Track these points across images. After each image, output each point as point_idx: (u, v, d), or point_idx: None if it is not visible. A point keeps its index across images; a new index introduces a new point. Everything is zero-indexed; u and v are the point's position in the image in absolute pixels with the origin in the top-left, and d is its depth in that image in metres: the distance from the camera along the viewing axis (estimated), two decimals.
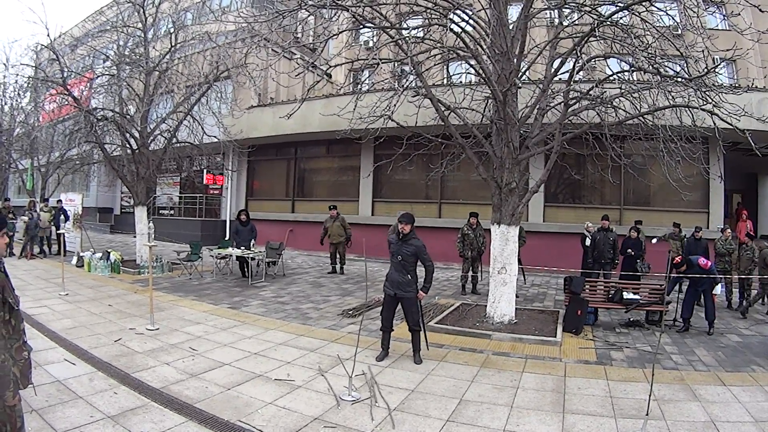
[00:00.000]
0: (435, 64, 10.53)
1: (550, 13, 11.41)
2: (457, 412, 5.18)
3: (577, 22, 9.88)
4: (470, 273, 12.34)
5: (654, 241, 12.80)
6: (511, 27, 9.01)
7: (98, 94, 15.77)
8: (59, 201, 17.45)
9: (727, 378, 6.43)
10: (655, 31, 8.48)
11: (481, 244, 12.19)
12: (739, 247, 11.38)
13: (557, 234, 15.72)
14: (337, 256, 14.96)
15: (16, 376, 3.11)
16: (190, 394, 5.42)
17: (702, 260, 9.11)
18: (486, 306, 9.24)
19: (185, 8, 19.88)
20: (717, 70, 8.62)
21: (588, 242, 12.66)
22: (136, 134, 14.28)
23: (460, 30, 8.62)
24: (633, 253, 11.99)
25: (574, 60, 8.90)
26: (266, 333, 8.11)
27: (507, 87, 8.08)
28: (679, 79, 8.06)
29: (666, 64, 8.59)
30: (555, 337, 8.05)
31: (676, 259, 9.06)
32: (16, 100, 22.52)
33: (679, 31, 10.40)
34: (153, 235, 9.77)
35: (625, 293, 9.17)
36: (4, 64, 22.36)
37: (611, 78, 9.32)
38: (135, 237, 15.52)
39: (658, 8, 8.91)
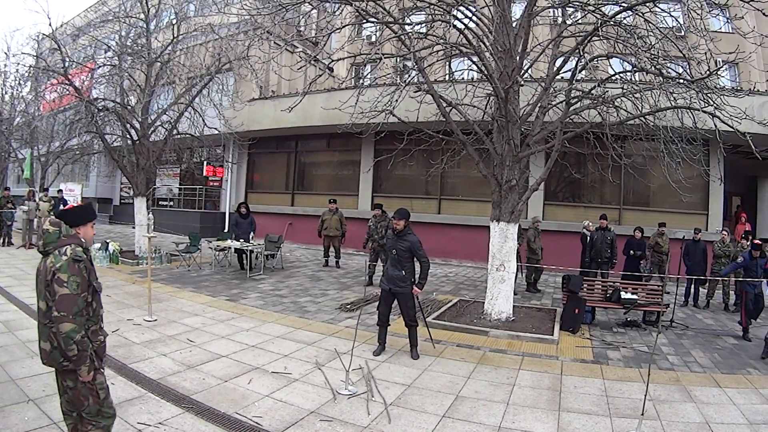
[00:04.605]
0: (437, 60, 10.53)
1: (554, 11, 11.39)
2: (453, 408, 5.20)
3: (580, 21, 9.87)
4: (375, 264, 12.35)
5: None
6: (514, 24, 9.01)
7: (99, 85, 15.72)
8: (59, 191, 17.43)
9: (722, 380, 6.46)
10: (658, 32, 8.47)
11: (382, 236, 11.81)
12: (736, 250, 11.38)
13: (556, 232, 15.71)
14: (332, 249, 14.99)
15: (93, 355, 3.36)
16: (187, 385, 5.43)
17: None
18: (484, 303, 9.26)
19: None
20: (719, 72, 8.59)
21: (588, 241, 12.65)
22: (137, 125, 14.25)
23: (463, 26, 8.61)
24: (638, 253, 12.05)
25: (576, 59, 8.91)
26: (264, 326, 8.13)
27: (509, 84, 8.08)
28: (681, 81, 8.06)
29: (668, 65, 8.58)
30: (552, 335, 8.07)
31: None
32: (17, 90, 22.49)
33: (682, 33, 10.40)
34: (152, 226, 9.80)
35: (623, 293, 9.19)
36: (6, 53, 22.36)
37: (613, 78, 9.31)
38: (134, 228, 15.52)
39: (661, 9, 8.91)
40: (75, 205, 3.42)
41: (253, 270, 13.05)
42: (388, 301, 6.95)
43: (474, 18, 8.97)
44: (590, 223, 12.85)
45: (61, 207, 16.42)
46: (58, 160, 21.55)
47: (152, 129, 14.71)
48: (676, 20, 10.03)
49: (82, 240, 3.51)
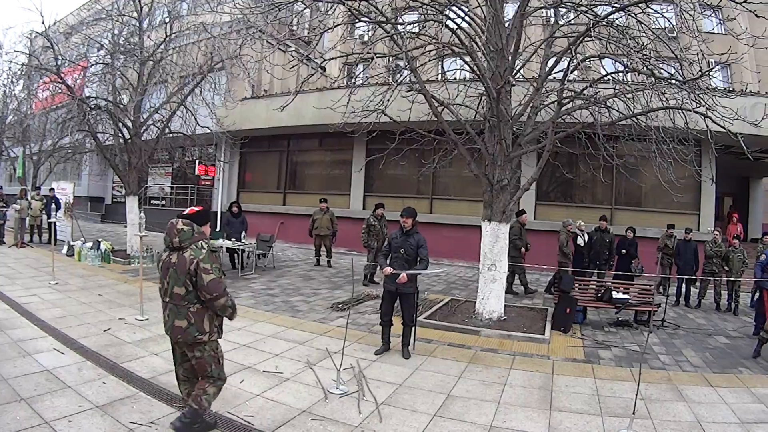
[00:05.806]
0: (430, 60, 10.53)
1: (546, 11, 11.40)
2: (444, 407, 5.20)
3: (572, 22, 9.88)
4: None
5: None
6: (506, 24, 9.01)
7: (92, 83, 15.67)
8: (51, 190, 17.35)
9: (714, 379, 6.49)
10: (650, 33, 8.49)
11: (387, 235, 11.74)
12: (728, 250, 11.44)
13: (548, 232, 15.70)
14: (323, 249, 14.97)
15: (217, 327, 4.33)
16: None
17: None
18: (475, 302, 9.27)
19: None
20: (711, 73, 8.62)
21: (579, 241, 12.62)
22: (129, 124, 14.18)
23: (455, 26, 8.63)
24: (630, 251, 12.08)
25: (568, 59, 8.92)
26: (255, 325, 8.11)
27: (501, 84, 8.09)
28: (674, 81, 8.09)
29: (660, 65, 8.60)
30: (543, 334, 8.09)
31: None
32: (9, 88, 22.32)
33: (675, 34, 10.42)
34: (144, 225, 9.72)
35: (614, 293, 9.21)
36: None
37: (605, 78, 9.32)
38: (126, 227, 15.44)
39: (654, 10, 8.92)
40: (198, 209, 4.53)
41: (244, 269, 13.02)
42: (391, 301, 6.98)
43: (466, 18, 8.97)
44: (582, 223, 12.88)
45: (53, 206, 16.38)
46: (50, 158, 21.44)
47: (144, 128, 14.64)
48: (669, 21, 10.03)
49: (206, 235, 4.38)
